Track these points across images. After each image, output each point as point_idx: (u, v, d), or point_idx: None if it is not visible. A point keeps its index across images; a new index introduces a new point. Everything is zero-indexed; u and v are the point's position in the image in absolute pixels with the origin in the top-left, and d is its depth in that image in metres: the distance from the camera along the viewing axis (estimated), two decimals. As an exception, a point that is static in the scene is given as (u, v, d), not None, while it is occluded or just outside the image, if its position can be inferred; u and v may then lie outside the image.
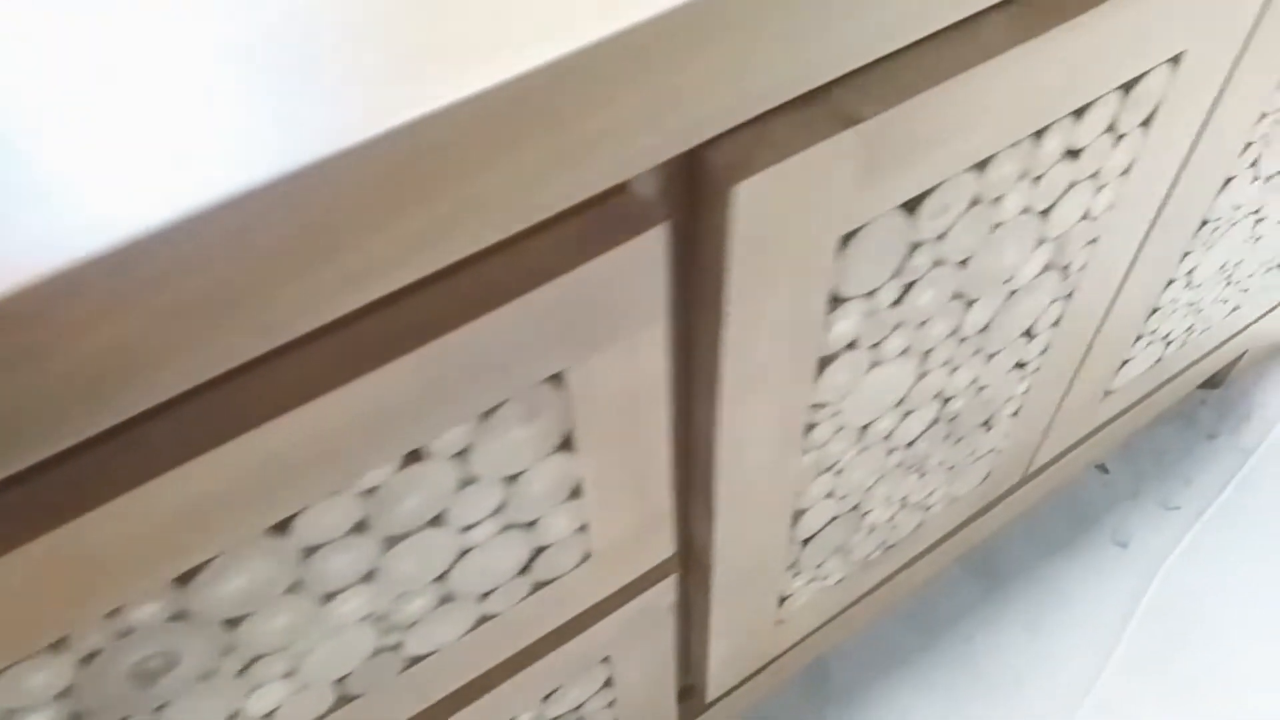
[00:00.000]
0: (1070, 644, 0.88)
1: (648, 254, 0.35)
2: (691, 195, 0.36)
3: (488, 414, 0.35)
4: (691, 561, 0.56)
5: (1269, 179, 0.66)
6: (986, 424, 0.67)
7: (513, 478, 0.39)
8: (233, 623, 0.35)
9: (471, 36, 0.27)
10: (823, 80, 0.34)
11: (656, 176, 0.35)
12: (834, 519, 0.62)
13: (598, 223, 0.34)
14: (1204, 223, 0.65)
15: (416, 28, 0.27)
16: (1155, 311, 0.72)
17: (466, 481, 0.37)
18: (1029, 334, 0.60)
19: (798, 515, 0.58)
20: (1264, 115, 0.58)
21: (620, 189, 0.34)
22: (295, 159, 0.24)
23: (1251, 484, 0.98)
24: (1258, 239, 0.74)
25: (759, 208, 0.35)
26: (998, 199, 0.45)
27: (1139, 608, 0.90)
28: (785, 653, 0.75)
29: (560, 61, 0.27)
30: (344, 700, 0.43)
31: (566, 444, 0.39)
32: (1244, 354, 1.00)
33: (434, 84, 0.25)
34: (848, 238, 0.41)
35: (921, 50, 0.38)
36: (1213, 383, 1.05)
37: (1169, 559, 0.93)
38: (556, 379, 0.36)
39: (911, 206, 0.42)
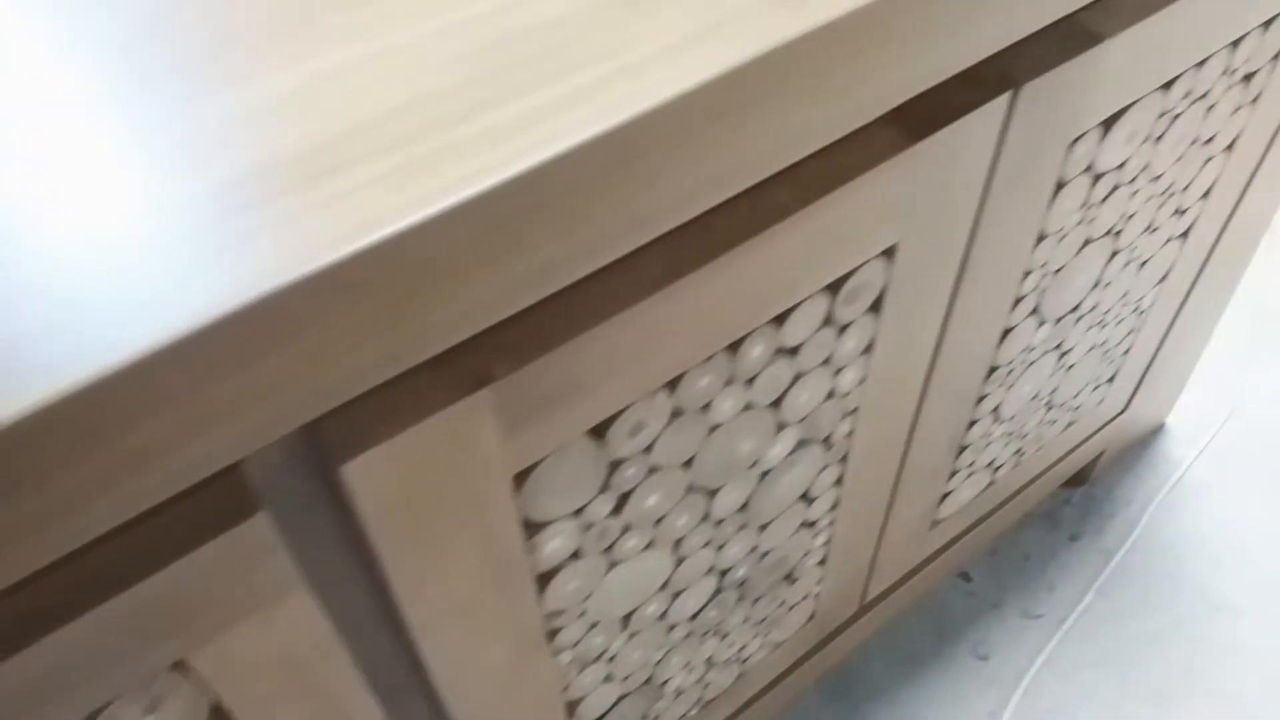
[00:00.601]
0: (928, 770, 0.86)
1: (255, 538, 0.33)
2: (314, 466, 0.35)
3: (95, 714, 0.33)
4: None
5: (1060, 319, 0.66)
6: (789, 577, 0.66)
7: (157, 758, 0.36)
8: None
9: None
10: (450, 344, 0.33)
11: (278, 450, 0.34)
12: (623, 697, 0.60)
13: (191, 516, 0.32)
14: (993, 369, 0.64)
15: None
16: (965, 449, 0.71)
17: (91, 775, 0.35)
18: (806, 498, 0.59)
19: (573, 705, 0.56)
20: (1030, 272, 0.58)
21: (231, 469, 0.33)
22: None
23: (1110, 589, 0.97)
24: (1069, 367, 0.74)
25: (384, 476, 0.34)
26: (705, 406, 0.44)
27: (998, 726, 0.89)
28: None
29: (124, 367, 0.25)
30: None
31: (219, 713, 0.37)
32: (1103, 453, 1.00)
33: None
34: (525, 473, 0.40)
35: (571, 294, 0.37)
36: (1077, 480, 1.04)
37: (1029, 672, 0.92)
38: (180, 664, 0.34)
39: (601, 430, 0.41)
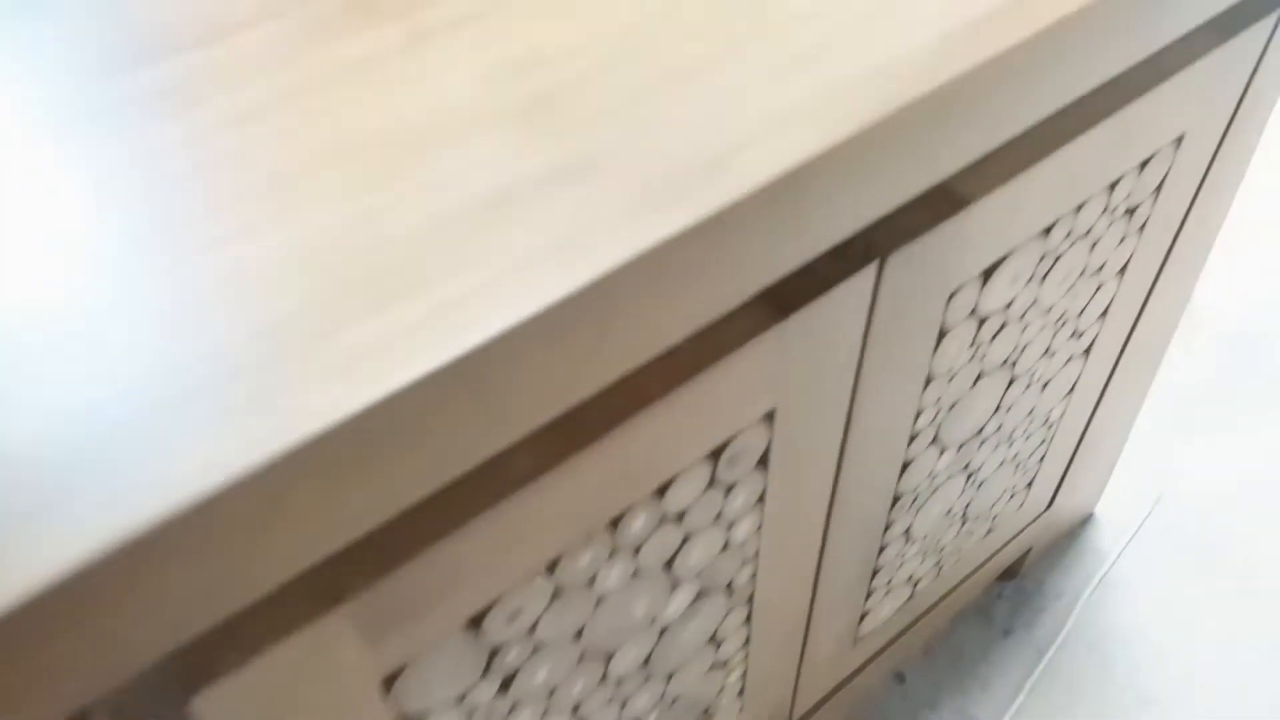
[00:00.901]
0: None
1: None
2: (169, 692, 0.34)
3: None
4: None
5: (962, 445, 0.66)
6: (706, 713, 0.65)
7: None
8: None
9: None
10: (297, 571, 0.32)
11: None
12: None
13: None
14: (896, 498, 0.64)
15: None
16: (878, 571, 0.71)
17: None
18: (715, 640, 0.58)
19: None
20: (921, 411, 0.58)
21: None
22: None
23: (1042, 686, 0.97)
24: (980, 484, 0.74)
25: (238, 702, 0.33)
26: (590, 581, 0.44)
27: (935, 837, 0.88)
28: None
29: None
30: None
31: None
32: (1030, 550, 1.00)
33: None
34: (395, 675, 0.39)
35: (430, 499, 0.37)
36: (1009, 574, 1.05)
37: (965, 778, 0.91)
38: None
39: (477, 619, 0.41)
